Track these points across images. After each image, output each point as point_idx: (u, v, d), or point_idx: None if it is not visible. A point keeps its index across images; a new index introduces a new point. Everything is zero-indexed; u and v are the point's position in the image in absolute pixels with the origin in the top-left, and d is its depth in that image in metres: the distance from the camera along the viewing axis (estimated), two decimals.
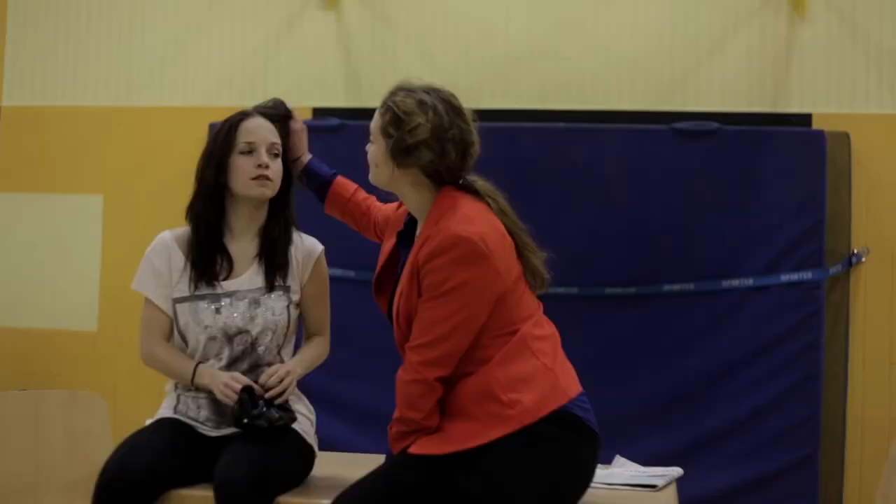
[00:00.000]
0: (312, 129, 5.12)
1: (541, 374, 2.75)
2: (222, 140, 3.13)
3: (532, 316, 2.83)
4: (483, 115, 5.38)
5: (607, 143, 4.98)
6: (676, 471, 3.39)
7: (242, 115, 3.17)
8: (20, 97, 5.72)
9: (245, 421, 2.93)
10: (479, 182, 2.90)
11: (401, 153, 2.80)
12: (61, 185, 5.63)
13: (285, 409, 3.01)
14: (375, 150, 2.88)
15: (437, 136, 2.79)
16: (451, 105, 2.84)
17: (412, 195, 2.87)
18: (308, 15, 5.44)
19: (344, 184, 3.35)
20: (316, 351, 3.26)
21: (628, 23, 5.19)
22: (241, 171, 3.09)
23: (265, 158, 3.10)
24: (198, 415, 3.08)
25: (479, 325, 2.74)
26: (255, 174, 3.09)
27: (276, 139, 3.16)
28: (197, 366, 3.06)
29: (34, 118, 5.68)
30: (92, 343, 5.55)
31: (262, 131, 3.13)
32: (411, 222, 2.97)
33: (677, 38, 5.15)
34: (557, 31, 5.23)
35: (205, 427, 3.06)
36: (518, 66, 5.24)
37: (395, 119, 2.80)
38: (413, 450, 2.75)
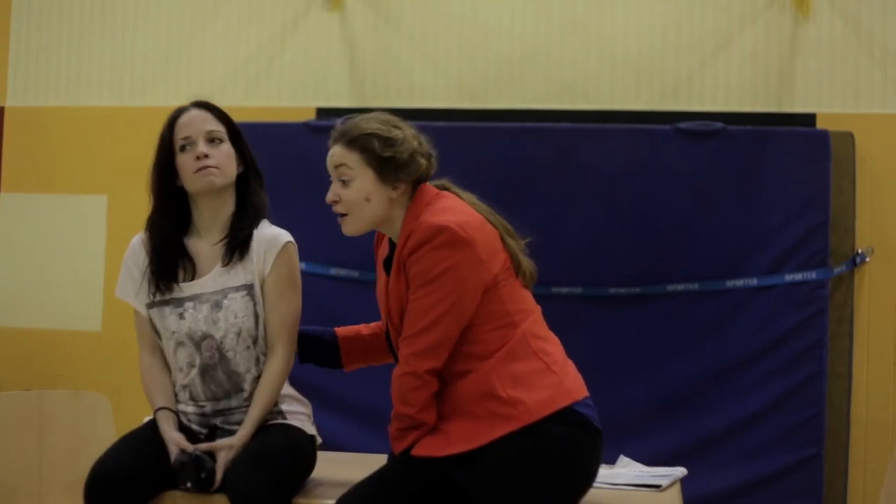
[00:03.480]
0: (317, 130, 5.18)
1: (544, 374, 2.74)
2: (165, 145, 3.09)
3: (529, 313, 2.82)
4: (488, 115, 5.42)
5: (612, 143, 4.98)
6: (680, 471, 3.38)
7: (176, 113, 3.11)
8: (24, 97, 5.73)
9: (188, 485, 2.88)
10: (445, 181, 2.93)
11: (402, 167, 2.80)
12: (65, 185, 5.64)
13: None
14: (361, 185, 2.81)
15: (418, 140, 2.85)
16: (389, 113, 2.90)
17: (399, 213, 2.84)
18: (313, 15, 5.44)
19: (348, 330, 3.19)
20: (267, 393, 3.00)
21: (633, 23, 5.19)
22: (185, 169, 3.04)
23: (202, 148, 3.01)
24: (189, 427, 3.05)
25: (469, 313, 2.73)
26: (196, 167, 3.02)
27: (214, 126, 3.06)
28: (159, 410, 3.02)
29: (38, 118, 5.69)
30: (96, 343, 5.56)
31: (195, 123, 3.06)
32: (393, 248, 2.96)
33: (682, 39, 5.15)
34: (562, 32, 5.23)
35: (200, 434, 3.04)
36: (522, 67, 5.24)
37: (386, 140, 2.80)
38: (415, 451, 2.74)
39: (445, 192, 2.87)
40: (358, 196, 2.82)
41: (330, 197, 2.85)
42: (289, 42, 5.47)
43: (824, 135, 4.87)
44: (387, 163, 2.79)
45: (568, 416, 2.71)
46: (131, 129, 5.58)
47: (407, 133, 2.84)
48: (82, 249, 5.61)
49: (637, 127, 5.02)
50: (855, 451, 4.89)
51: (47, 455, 3.57)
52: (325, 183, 5.35)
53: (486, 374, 2.72)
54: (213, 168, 3.02)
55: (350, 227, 2.87)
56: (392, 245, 2.90)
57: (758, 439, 4.78)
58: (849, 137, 4.91)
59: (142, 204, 5.44)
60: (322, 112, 5.34)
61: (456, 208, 2.79)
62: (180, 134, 3.06)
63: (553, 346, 2.83)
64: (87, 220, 5.62)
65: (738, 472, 4.77)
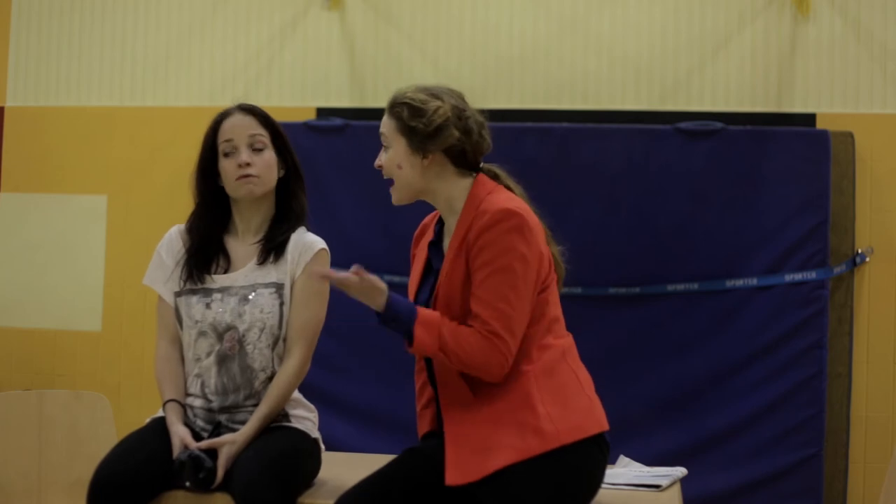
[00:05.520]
0: (317, 130, 5.19)
1: (579, 396, 2.77)
2: (208, 147, 3.12)
3: (567, 334, 2.86)
4: (488, 115, 5.41)
5: (611, 143, 4.98)
6: (680, 471, 3.38)
7: (221, 116, 3.13)
8: (24, 97, 5.73)
9: (187, 484, 2.88)
10: (498, 169, 2.93)
11: (428, 138, 2.80)
12: (65, 185, 5.64)
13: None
14: (394, 152, 2.83)
15: (457, 115, 2.83)
16: (453, 92, 2.89)
17: (441, 187, 2.84)
18: (312, 15, 5.44)
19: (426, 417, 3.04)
20: (278, 393, 3.01)
21: (632, 23, 5.19)
22: (227, 174, 3.07)
23: (244, 157, 3.05)
24: (194, 424, 3.06)
25: (533, 298, 2.74)
26: (237, 175, 3.05)
27: (258, 131, 3.09)
28: (168, 402, 3.04)
29: (38, 118, 5.69)
30: (96, 343, 5.56)
31: (239, 128, 3.08)
32: (441, 232, 2.94)
33: (681, 38, 5.15)
34: (561, 32, 5.23)
35: (203, 432, 3.04)
36: (522, 67, 5.24)
37: (415, 109, 2.80)
38: (450, 481, 2.66)
39: (501, 187, 2.87)
40: (391, 163, 2.85)
41: (376, 162, 2.89)
42: (288, 42, 5.47)
43: (824, 135, 4.87)
44: (413, 132, 2.80)
45: (593, 440, 2.74)
46: (131, 129, 5.59)
47: (445, 105, 2.82)
48: (82, 249, 5.61)
49: (636, 127, 5.02)
50: (855, 451, 4.89)
51: (47, 455, 3.57)
52: (325, 182, 5.38)
53: (526, 384, 2.72)
54: (254, 177, 3.06)
55: (394, 196, 2.89)
56: (439, 227, 2.91)
57: (758, 439, 4.78)
58: (848, 137, 4.91)
59: (142, 204, 5.50)
60: (322, 112, 5.34)
61: (517, 199, 2.81)
62: (223, 138, 3.09)
63: (586, 373, 2.86)
64: (87, 220, 5.62)
65: (738, 472, 4.77)
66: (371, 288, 2.68)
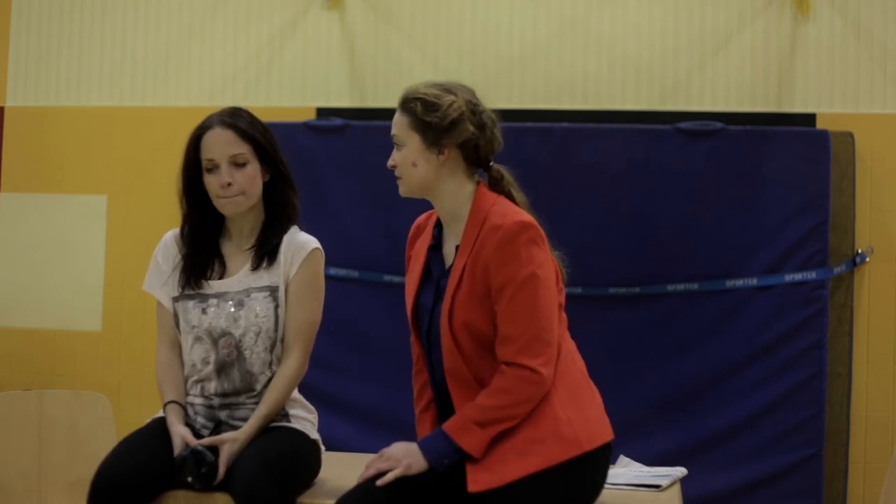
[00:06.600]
0: (316, 130, 5.19)
1: (593, 400, 2.79)
2: (190, 162, 3.09)
3: (567, 334, 2.85)
4: (499, 114, 5.41)
5: (611, 143, 4.98)
6: (680, 471, 3.38)
7: (201, 129, 3.10)
8: (24, 97, 5.73)
9: (188, 479, 2.89)
10: (505, 171, 2.91)
11: (443, 133, 2.78)
12: (65, 185, 5.64)
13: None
14: (409, 150, 2.81)
15: (471, 109, 2.81)
16: (465, 87, 2.88)
17: (451, 187, 2.83)
18: (312, 15, 5.44)
19: (428, 427, 3.01)
20: (278, 393, 3.02)
21: (632, 23, 5.19)
22: (211, 191, 3.06)
23: (226, 177, 3.03)
24: (195, 421, 3.07)
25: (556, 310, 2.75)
26: (220, 195, 3.04)
27: (238, 148, 3.05)
28: (168, 403, 3.04)
29: (38, 118, 5.69)
30: (96, 343, 5.56)
31: (219, 146, 3.05)
32: (440, 236, 2.93)
33: (681, 38, 5.15)
34: (561, 32, 5.23)
35: (203, 430, 3.05)
36: (522, 66, 5.24)
37: (429, 104, 2.78)
38: (473, 488, 2.65)
39: (502, 197, 2.85)
40: (405, 161, 2.83)
41: (389, 162, 2.87)
42: (288, 42, 5.47)
43: (824, 135, 4.87)
44: (428, 127, 2.79)
45: (603, 448, 2.75)
46: (131, 129, 5.59)
47: (459, 100, 2.80)
48: (82, 249, 5.61)
49: (637, 127, 5.02)
50: (855, 451, 4.89)
51: (47, 455, 3.57)
52: (325, 182, 5.37)
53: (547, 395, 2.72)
54: (237, 197, 3.05)
55: (401, 190, 2.88)
56: (437, 231, 2.90)
57: (758, 439, 4.78)
58: (849, 137, 4.91)
59: (141, 204, 5.50)
60: (322, 112, 5.34)
61: (522, 210, 2.80)
62: (205, 154, 3.06)
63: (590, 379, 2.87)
64: (87, 220, 5.62)
65: (738, 472, 4.77)
66: (407, 467, 2.69)
